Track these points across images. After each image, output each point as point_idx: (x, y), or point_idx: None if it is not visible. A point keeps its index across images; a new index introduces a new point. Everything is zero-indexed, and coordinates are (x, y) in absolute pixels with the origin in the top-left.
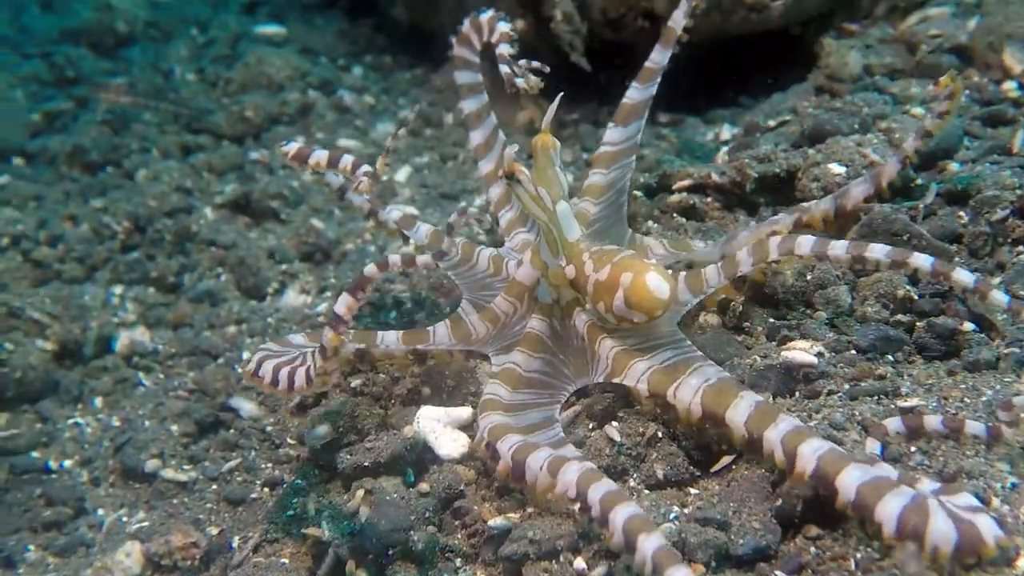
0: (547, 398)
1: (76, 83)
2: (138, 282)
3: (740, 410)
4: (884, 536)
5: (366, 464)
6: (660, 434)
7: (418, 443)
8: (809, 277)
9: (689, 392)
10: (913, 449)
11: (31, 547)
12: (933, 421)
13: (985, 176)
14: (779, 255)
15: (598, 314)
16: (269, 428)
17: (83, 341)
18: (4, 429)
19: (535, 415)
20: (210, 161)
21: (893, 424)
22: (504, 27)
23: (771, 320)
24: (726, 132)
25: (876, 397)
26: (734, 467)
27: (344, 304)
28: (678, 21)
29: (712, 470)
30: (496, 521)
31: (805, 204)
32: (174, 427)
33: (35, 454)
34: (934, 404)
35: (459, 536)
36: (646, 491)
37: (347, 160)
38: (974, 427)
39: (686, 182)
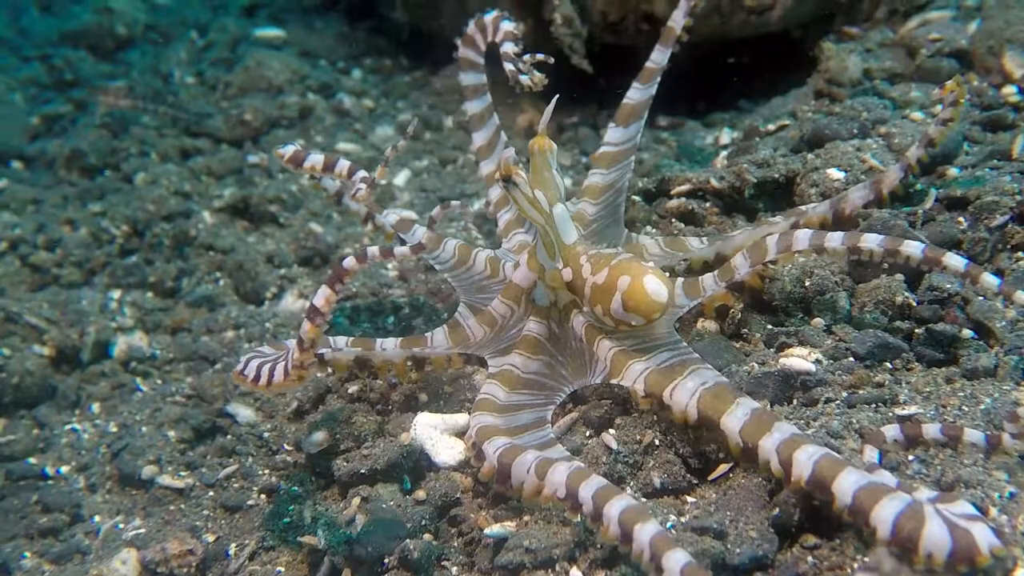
0: (543, 399)
1: (75, 86)
2: (136, 287)
3: (735, 417)
4: (878, 540)
5: (363, 471)
6: (657, 442)
7: (415, 450)
8: (807, 283)
9: (686, 394)
10: (911, 458)
11: (27, 554)
12: (931, 429)
13: (985, 181)
14: (777, 253)
15: (596, 317)
16: (266, 434)
17: (81, 346)
18: (1, 435)
19: (528, 416)
20: (209, 165)
21: (891, 432)
22: (508, 26)
23: (769, 327)
24: (725, 136)
25: (874, 405)
26: (731, 475)
27: (322, 296)
28: (678, 21)
29: (710, 478)
30: (493, 529)
31: (802, 208)
32: (171, 433)
33: (32, 460)
34: (932, 412)
35: (455, 544)
36: (643, 499)
37: (343, 165)
38: (973, 435)
39: (685, 187)
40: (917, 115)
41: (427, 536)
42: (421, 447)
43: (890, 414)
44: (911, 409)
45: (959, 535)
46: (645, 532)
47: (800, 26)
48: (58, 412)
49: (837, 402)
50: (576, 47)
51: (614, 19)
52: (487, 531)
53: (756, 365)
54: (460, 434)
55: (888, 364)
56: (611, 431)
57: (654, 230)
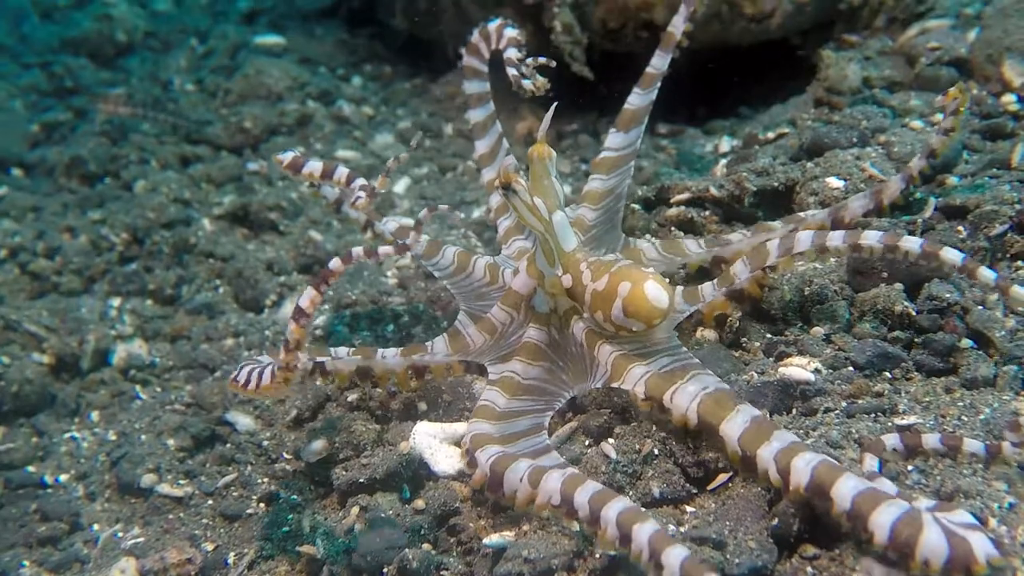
0: (543, 404)
1: (75, 93)
2: (136, 294)
3: (735, 424)
4: (876, 545)
5: (361, 480)
6: (656, 452)
7: (414, 459)
8: (807, 292)
9: (686, 398)
10: (910, 468)
11: (26, 563)
12: (931, 439)
13: (984, 190)
14: (779, 256)
15: (596, 323)
16: (265, 443)
17: (80, 354)
18: (0, 443)
19: (526, 421)
20: (208, 172)
21: (891, 441)
22: (512, 32)
23: (768, 336)
24: (725, 144)
25: (873, 415)
26: (730, 485)
27: (307, 298)
28: (678, 26)
29: (709, 488)
30: (492, 539)
31: (801, 214)
32: (170, 441)
33: (31, 468)
34: (931, 422)
35: (454, 554)
36: (642, 509)
37: (341, 172)
38: (972, 445)
39: (684, 195)
40: (917, 124)
41: (426, 545)
42: (420, 456)
43: (889, 424)
44: (910, 419)
45: (956, 543)
46: (644, 531)
47: (800, 33)
48: (57, 420)
49: (836, 412)
50: (576, 54)
51: (614, 27)
52: (486, 541)
53: (755, 374)
54: (459, 443)
55: (887, 374)
56: (610, 440)
57: (654, 239)
